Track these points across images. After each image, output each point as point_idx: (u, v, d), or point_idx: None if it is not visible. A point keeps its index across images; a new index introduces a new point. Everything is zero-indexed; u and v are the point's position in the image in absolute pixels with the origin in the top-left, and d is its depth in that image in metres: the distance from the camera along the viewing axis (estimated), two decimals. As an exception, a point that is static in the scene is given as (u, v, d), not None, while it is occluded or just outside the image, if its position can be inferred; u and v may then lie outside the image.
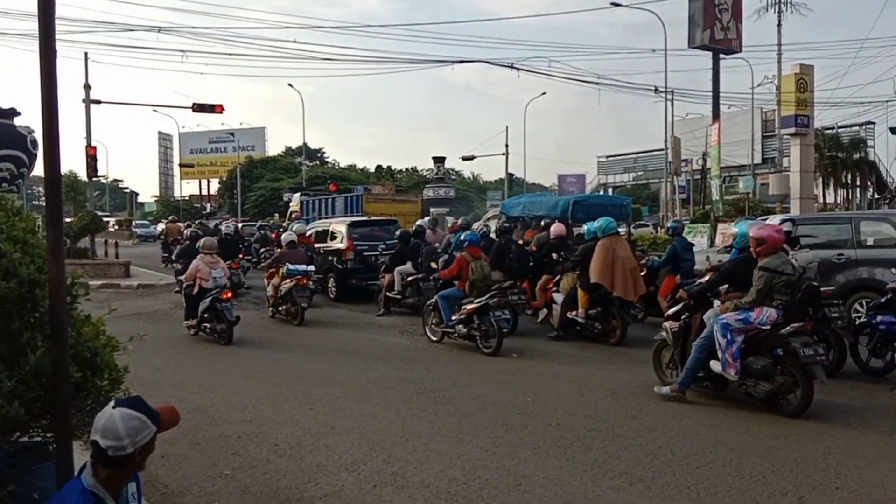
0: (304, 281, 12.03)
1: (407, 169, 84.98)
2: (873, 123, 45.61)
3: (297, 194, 28.90)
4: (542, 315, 11.15)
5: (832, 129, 45.34)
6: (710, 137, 34.16)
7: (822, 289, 7.43)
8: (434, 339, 10.16)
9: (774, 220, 10.33)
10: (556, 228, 11.85)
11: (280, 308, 12.38)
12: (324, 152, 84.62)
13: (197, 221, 26.11)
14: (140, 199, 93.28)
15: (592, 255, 9.63)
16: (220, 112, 29.03)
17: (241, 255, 17.10)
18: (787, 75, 27.06)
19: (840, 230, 10.76)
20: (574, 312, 9.94)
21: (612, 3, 32.64)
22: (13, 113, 12.98)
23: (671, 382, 6.84)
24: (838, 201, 48.16)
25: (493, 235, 12.38)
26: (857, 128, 46.40)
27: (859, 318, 9.08)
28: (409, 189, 62.39)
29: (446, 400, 6.85)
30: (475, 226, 14.78)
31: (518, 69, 29.01)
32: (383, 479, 4.78)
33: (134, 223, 51.83)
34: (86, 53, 25.62)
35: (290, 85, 56.50)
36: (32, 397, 3.22)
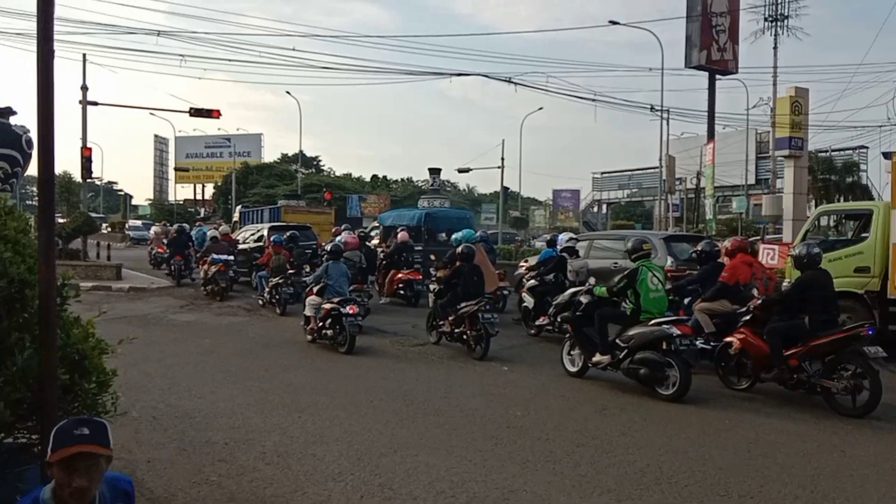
0: (224, 267, 15.93)
1: (402, 179, 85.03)
2: (867, 148, 45.92)
3: (239, 206, 33.36)
4: (385, 300, 15.47)
5: (826, 152, 45.66)
6: (704, 157, 34.33)
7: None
8: (260, 303, 14.59)
9: (564, 235, 13.14)
10: (401, 236, 15.74)
11: (208, 287, 16.24)
12: (320, 160, 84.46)
13: (176, 224, 27.71)
14: (134, 202, 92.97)
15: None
16: (217, 117, 28.94)
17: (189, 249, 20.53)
18: (782, 97, 27.26)
19: (617, 244, 13.52)
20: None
21: (610, 22, 32.82)
22: (8, 112, 12.93)
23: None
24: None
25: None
26: (850, 152, 46.73)
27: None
28: (405, 199, 62.49)
29: (435, 412, 6.83)
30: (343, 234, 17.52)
31: (516, 84, 29.03)
32: (371, 489, 4.75)
33: (127, 225, 51.63)
34: (84, 55, 25.53)
35: (287, 92, 56.15)
36: (19, 398, 3.20)
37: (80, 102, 24.59)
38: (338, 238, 15.20)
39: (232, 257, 16.65)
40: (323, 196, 40.84)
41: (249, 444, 5.70)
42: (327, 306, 10.19)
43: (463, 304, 9.84)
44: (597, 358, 8.12)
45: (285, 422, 6.35)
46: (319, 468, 5.15)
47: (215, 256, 16.05)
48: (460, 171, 48.05)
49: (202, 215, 60.84)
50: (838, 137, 66.75)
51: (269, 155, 76.64)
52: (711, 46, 36.86)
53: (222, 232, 19.01)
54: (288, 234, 15.66)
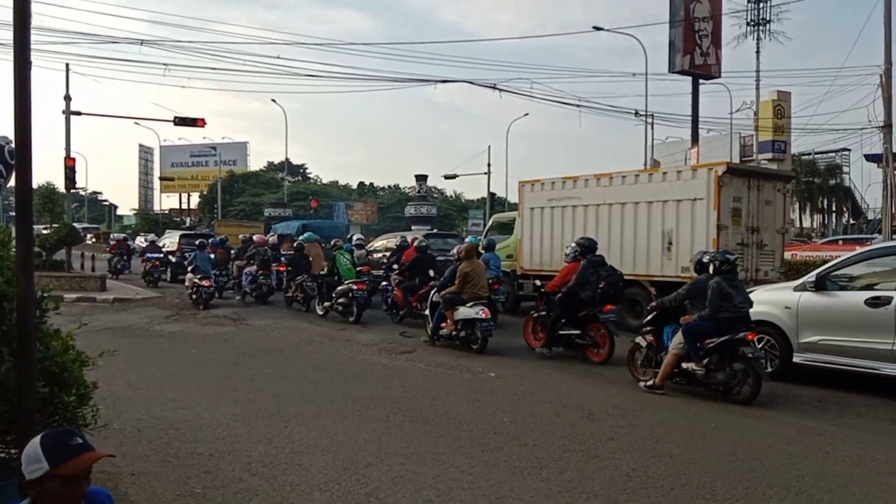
0: (157, 263, 22.09)
1: (389, 186, 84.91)
2: (849, 150, 46.43)
3: (214, 220, 43.47)
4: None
5: (809, 154, 46.08)
6: (689, 161, 34.56)
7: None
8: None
9: (356, 236, 18.77)
10: (272, 240, 20.30)
11: (146, 278, 21.91)
12: (306, 168, 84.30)
13: (120, 235, 34.16)
14: (119, 212, 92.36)
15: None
16: (202, 126, 28.91)
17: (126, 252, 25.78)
18: (765, 101, 27.54)
19: (449, 244, 18.27)
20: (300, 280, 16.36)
21: (594, 28, 33.08)
22: (-10, 123, 12.80)
23: None
24: (815, 226, 48.81)
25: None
26: (832, 154, 47.17)
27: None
28: (392, 206, 62.52)
29: (423, 420, 6.81)
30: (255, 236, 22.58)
31: (500, 90, 29.24)
32: (357, 499, 4.73)
33: (112, 236, 51.20)
34: (67, 65, 25.42)
35: (273, 100, 56.32)
36: (-3, 413, 3.16)
37: (64, 112, 24.47)
38: (254, 237, 20.57)
39: (162, 255, 22.90)
40: (309, 204, 40.79)
41: (234, 455, 5.66)
42: (195, 280, 16.35)
43: (298, 278, 15.80)
44: (325, 304, 14.58)
45: (271, 432, 6.31)
46: (305, 478, 5.12)
47: (149, 255, 22.34)
48: (447, 177, 48.27)
49: (188, 225, 60.58)
50: (821, 140, 67.47)
51: (255, 163, 76.55)
52: (695, 51, 37.07)
53: (153, 240, 25.78)
54: (198, 241, 19.73)
